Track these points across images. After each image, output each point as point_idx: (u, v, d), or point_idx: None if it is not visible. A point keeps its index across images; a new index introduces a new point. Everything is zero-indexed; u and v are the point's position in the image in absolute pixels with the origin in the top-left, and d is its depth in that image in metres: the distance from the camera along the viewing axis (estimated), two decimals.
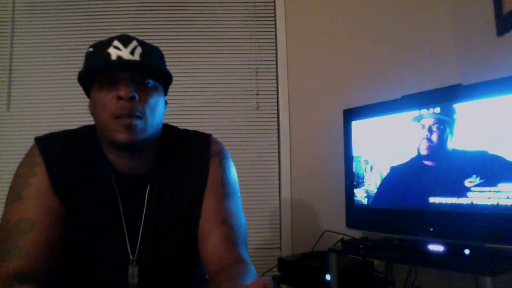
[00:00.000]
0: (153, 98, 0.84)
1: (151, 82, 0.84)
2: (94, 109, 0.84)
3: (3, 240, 0.78)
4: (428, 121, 1.45)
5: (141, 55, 0.82)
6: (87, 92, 0.87)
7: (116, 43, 0.81)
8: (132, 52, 0.81)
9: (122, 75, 0.81)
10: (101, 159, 0.88)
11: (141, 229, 0.89)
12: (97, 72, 0.82)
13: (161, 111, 0.87)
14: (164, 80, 0.89)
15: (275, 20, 2.19)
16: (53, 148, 0.86)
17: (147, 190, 0.90)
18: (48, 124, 2.08)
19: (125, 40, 0.83)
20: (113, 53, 0.80)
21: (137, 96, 0.80)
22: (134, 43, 0.83)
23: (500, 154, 1.24)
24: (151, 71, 0.84)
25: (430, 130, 1.45)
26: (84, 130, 0.92)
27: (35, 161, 0.85)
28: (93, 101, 0.83)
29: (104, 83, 0.81)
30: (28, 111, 2.09)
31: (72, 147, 0.88)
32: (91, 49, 0.84)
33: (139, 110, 0.80)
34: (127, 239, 0.88)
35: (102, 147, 0.89)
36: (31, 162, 0.85)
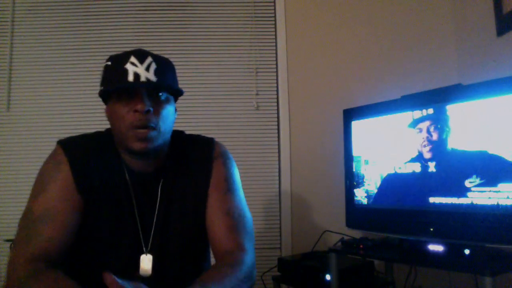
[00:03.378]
0: (165, 110, 0.92)
1: (164, 95, 0.93)
2: (111, 118, 0.92)
3: (29, 226, 0.87)
4: (428, 121, 1.45)
5: (156, 71, 0.89)
6: (104, 99, 0.96)
7: (133, 59, 0.89)
8: (147, 69, 0.88)
9: (139, 90, 0.89)
10: (116, 160, 0.97)
11: (154, 223, 0.97)
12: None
13: (171, 119, 0.96)
14: (175, 91, 0.97)
15: (275, 20, 2.19)
16: (76, 149, 0.95)
17: (160, 185, 0.98)
18: (48, 124, 2.06)
19: (141, 56, 0.90)
20: (130, 69, 0.87)
21: (151, 109, 0.88)
22: (149, 59, 0.90)
23: (500, 154, 1.24)
24: (164, 87, 0.92)
25: (429, 130, 1.45)
26: (100, 134, 1.02)
27: (60, 160, 0.93)
28: (110, 111, 0.92)
29: (122, 96, 0.89)
30: (28, 111, 2.09)
31: (92, 149, 0.97)
32: (109, 63, 0.92)
33: (153, 122, 0.89)
34: (140, 232, 0.96)
35: (116, 149, 0.98)
36: (56, 161, 0.94)
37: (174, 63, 0.98)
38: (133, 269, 0.95)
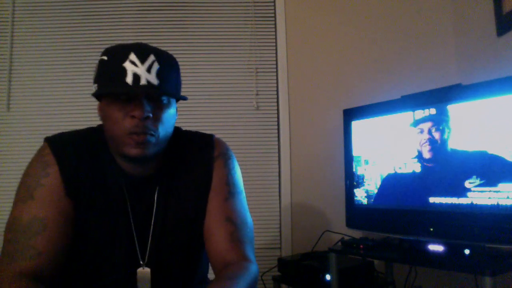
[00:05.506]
0: (166, 114, 0.84)
1: (166, 99, 0.84)
2: (104, 120, 0.83)
3: (15, 239, 0.78)
4: (428, 121, 1.45)
5: (158, 73, 0.80)
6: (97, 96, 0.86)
7: (132, 57, 0.78)
8: (149, 69, 0.79)
9: (138, 94, 0.80)
10: (110, 161, 0.89)
11: (151, 232, 0.90)
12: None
13: (172, 123, 0.88)
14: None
15: (275, 20, 2.19)
16: (66, 149, 0.86)
17: (156, 193, 0.91)
18: (48, 124, 2.06)
19: (143, 54, 0.80)
20: (129, 69, 0.78)
21: (151, 115, 0.80)
22: (151, 58, 0.80)
23: (500, 154, 1.24)
24: (167, 93, 0.83)
25: (430, 130, 1.45)
26: (92, 131, 0.92)
27: (47, 161, 0.84)
28: (104, 112, 0.83)
29: (118, 98, 0.80)
30: (28, 111, 2.08)
31: (83, 148, 0.88)
32: (105, 58, 0.81)
33: (152, 128, 0.81)
34: (136, 242, 0.89)
35: (110, 151, 0.89)
36: (43, 162, 0.85)
37: None
38: (130, 282, 0.88)
